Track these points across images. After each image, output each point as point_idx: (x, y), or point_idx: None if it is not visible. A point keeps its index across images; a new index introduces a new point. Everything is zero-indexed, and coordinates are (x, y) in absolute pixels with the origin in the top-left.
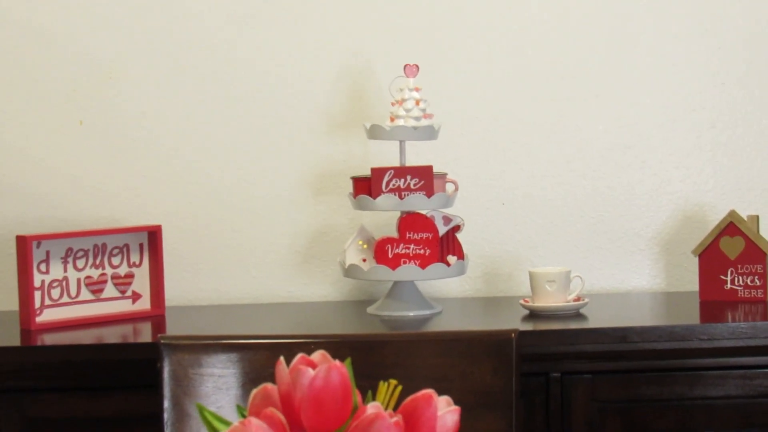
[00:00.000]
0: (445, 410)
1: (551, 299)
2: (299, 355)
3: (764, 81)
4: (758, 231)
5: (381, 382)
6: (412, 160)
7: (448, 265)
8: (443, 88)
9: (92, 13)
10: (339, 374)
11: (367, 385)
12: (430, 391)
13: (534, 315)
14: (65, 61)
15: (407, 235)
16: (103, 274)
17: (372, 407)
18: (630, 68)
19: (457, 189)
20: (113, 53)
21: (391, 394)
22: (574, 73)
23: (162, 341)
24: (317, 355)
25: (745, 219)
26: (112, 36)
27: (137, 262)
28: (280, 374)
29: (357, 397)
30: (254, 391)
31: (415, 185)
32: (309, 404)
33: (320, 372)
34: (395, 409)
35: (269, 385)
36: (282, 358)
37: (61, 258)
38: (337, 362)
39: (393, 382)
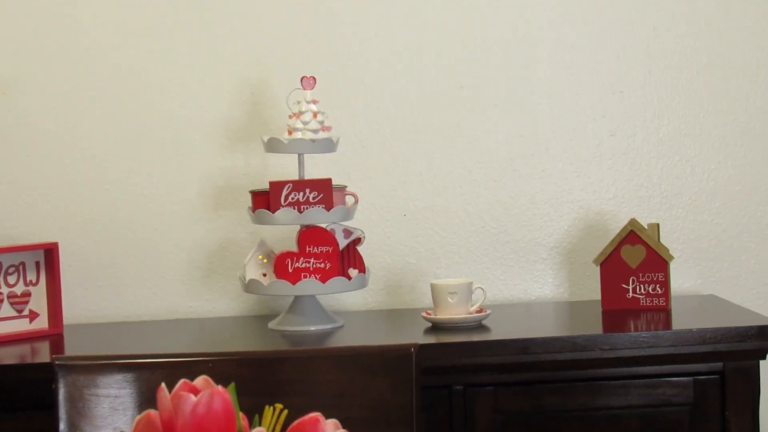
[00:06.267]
0: None
1: (453, 311)
2: (181, 381)
3: (663, 88)
4: (659, 239)
5: (267, 407)
6: (312, 173)
7: (349, 278)
8: (341, 100)
9: None
10: (222, 400)
11: (267, 402)
12: (316, 414)
13: (436, 327)
14: None
15: (307, 249)
16: None
17: None
18: (528, 77)
19: (357, 201)
20: (7, 68)
21: (277, 418)
22: (472, 82)
23: (57, 362)
24: (200, 381)
25: (646, 227)
26: (6, 51)
27: (34, 281)
28: (162, 401)
29: (243, 421)
30: (137, 418)
31: (314, 198)
32: (191, 431)
33: (202, 398)
34: None
35: (152, 412)
36: (163, 385)
37: None
38: (220, 388)
39: (279, 406)
